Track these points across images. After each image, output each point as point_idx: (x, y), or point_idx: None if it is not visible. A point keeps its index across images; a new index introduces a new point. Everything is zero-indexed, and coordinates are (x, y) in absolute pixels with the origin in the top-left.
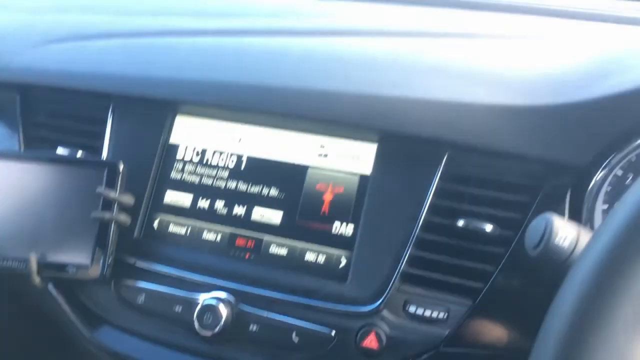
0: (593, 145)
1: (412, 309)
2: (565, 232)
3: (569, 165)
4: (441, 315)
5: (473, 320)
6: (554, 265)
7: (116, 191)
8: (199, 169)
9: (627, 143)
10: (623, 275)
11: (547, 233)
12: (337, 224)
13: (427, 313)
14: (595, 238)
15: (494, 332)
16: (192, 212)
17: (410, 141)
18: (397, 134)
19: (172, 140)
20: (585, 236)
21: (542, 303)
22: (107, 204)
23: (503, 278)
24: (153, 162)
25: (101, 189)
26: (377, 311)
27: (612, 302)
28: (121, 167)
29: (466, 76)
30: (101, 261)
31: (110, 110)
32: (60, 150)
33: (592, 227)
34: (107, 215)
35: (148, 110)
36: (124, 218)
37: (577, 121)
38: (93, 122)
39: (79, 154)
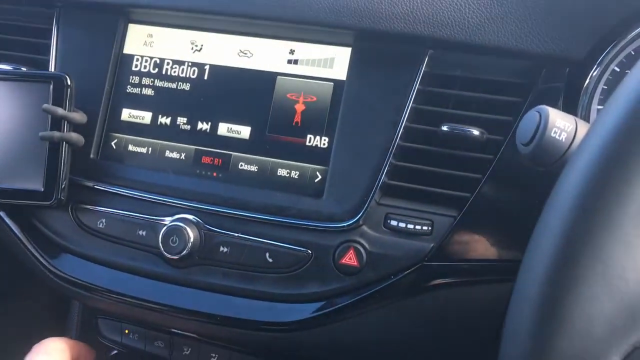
0: (589, 36)
1: (393, 223)
2: (562, 124)
3: (562, 59)
4: (425, 228)
5: (459, 232)
6: (548, 163)
7: (65, 107)
8: (158, 82)
9: (625, 32)
10: (629, 166)
11: (541, 126)
12: (310, 136)
13: (410, 226)
14: (595, 127)
15: (480, 244)
16: (152, 130)
17: (388, 40)
18: (373, 33)
19: (126, 50)
20: (584, 128)
21: (532, 212)
22: (56, 123)
23: (491, 186)
24: (106, 76)
25: (47, 106)
26: (356, 227)
27: (619, 194)
28: (68, 80)
29: None
30: (55, 185)
31: (55, 20)
32: (3, 66)
33: None
34: (56, 134)
35: (97, 17)
36: (77, 137)
37: (571, 10)
38: (37, 33)
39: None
